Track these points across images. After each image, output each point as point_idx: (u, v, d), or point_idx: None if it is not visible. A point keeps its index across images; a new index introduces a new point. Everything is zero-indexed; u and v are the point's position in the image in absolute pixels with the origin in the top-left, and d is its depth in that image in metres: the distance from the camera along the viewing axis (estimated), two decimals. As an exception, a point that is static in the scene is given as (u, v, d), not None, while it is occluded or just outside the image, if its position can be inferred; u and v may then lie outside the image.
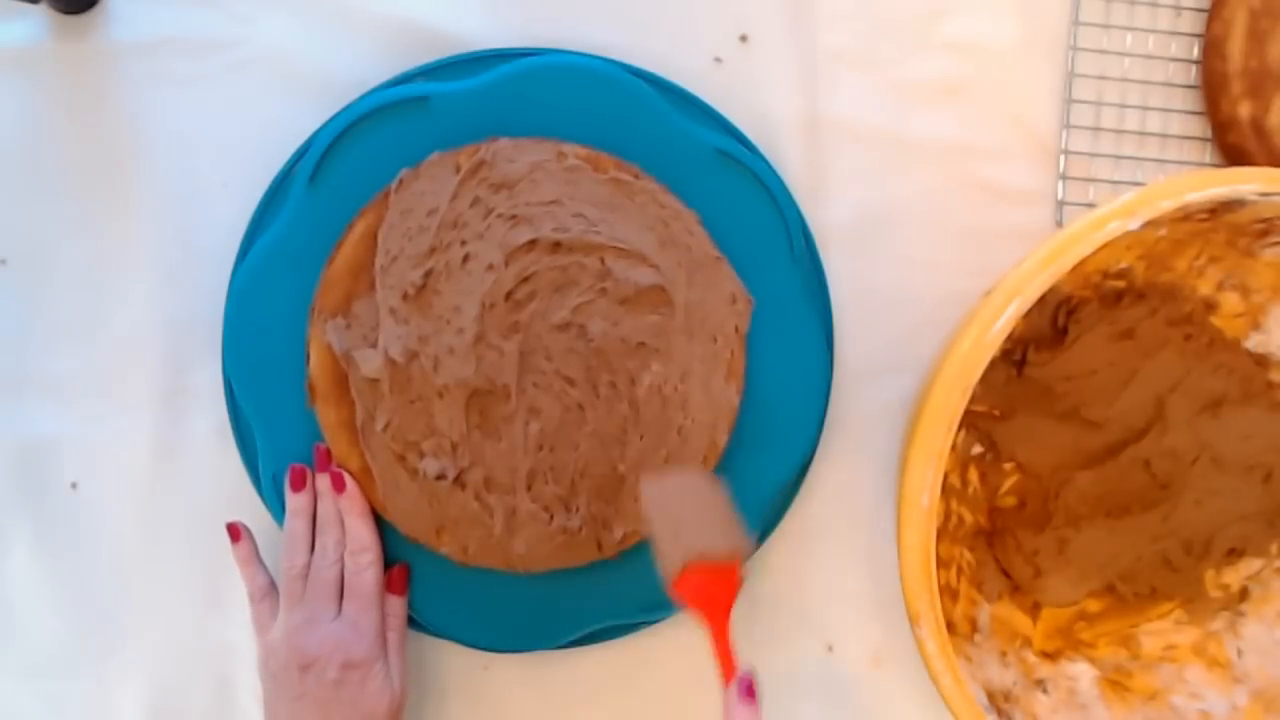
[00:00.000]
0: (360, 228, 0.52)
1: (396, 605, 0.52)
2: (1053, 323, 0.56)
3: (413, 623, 0.54)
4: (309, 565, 0.51)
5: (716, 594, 0.46)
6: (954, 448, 0.53)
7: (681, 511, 0.47)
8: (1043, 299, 0.46)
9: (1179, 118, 0.59)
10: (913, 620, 0.46)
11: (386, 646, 0.51)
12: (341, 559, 0.51)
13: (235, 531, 0.53)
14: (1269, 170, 0.46)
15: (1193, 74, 0.59)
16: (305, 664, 0.49)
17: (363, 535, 0.52)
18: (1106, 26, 0.59)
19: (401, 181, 0.52)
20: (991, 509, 0.57)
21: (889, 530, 0.57)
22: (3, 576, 0.56)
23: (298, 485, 0.52)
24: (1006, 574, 0.56)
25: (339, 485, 0.52)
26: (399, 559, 0.53)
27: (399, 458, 0.52)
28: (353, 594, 0.51)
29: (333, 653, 0.49)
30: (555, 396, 0.52)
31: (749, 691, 0.43)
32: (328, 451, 0.52)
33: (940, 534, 0.54)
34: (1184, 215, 0.47)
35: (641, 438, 0.53)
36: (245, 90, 0.56)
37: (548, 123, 0.53)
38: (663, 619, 0.55)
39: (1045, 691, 0.54)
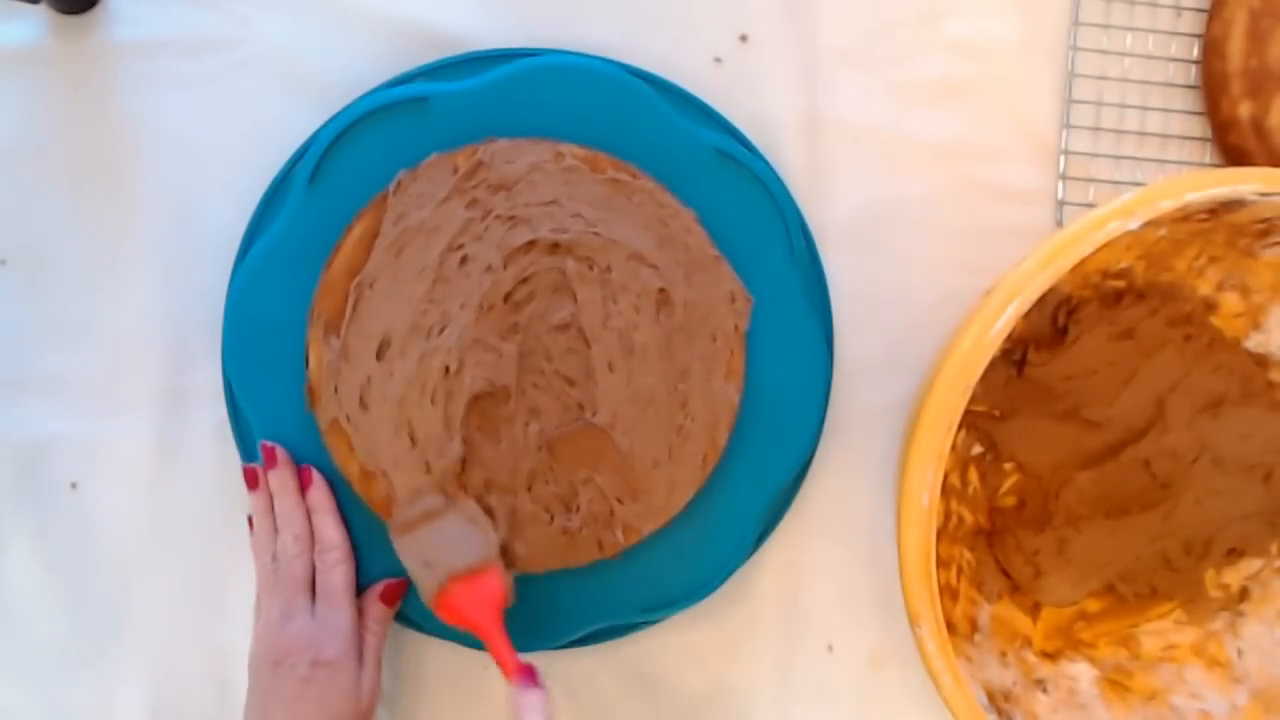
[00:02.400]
0: (359, 229, 0.52)
1: (382, 613, 0.52)
2: (1053, 323, 0.56)
3: (413, 623, 0.54)
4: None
5: (481, 603, 0.49)
6: (954, 448, 0.53)
7: (429, 543, 0.50)
8: (1043, 299, 0.46)
9: (1179, 118, 0.59)
10: (913, 620, 0.46)
11: (362, 648, 0.51)
12: (307, 553, 0.51)
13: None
14: (1269, 170, 0.46)
15: (1193, 74, 0.59)
16: (277, 659, 0.49)
17: (329, 534, 0.51)
18: (1106, 26, 0.59)
19: (400, 184, 0.52)
20: (991, 509, 0.57)
21: (889, 530, 0.57)
22: (3, 576, 0.56)
23: (252, 485, 0.52)
24: (1006, 574, 0.56)
25: (306, 481, 0.52)
26: (398, 559, 0.53)
27: (399, 458, 0.52)
28: (323, 593, 0.51)
29: (303, 650, 0.49)
30: (555, 397, 0.53)
31: (532, 678, 0.47)
32: (272, 449, 0.52)
33: (940, 534, 0.54)
34: (1184, 215, 0.47)
35: (641, 437, 0.53)
36: (245, 90, 0.56)
37: (548, 123, 0.53)
38: (663, 619, 0.55)
39: (1045, 691, 0.54)
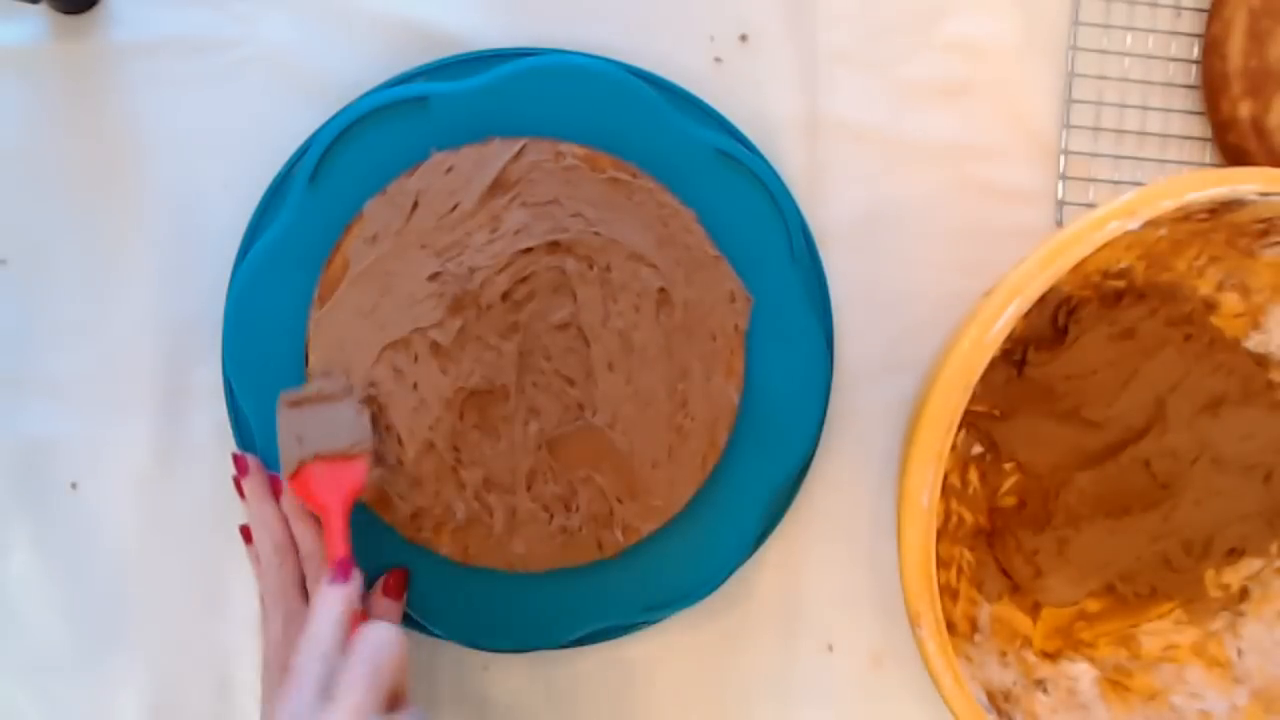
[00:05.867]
0: (359, 229, 0.52)
1: (388, 609, 0.52)
2: (1053, 323, 0.56)
3: (413, 623, 0.54)
4: None
5: (335, 487, 0.49)
6: (954, 448, 0.53)
7: (310, 420, 0.50)
8: (1043, 299, 0.46)
9: (1179, 118, 0.59)
10: (913, 620, 0.46)
11: None
12: (290, 559, 0.51)
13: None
14: (1269, 170, 0.46)
15: (1193, 74, 0.59)
16: (283, 665, 0.49)
17: (307, 541, 0.51)
18: (1106, 26, 0.59)
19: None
20: (991, 509, 0.57)
21: (889, 530, 0.57)
22: (3, 576, 0.56)
23: (242, 495, 0.52)
24: (1006, 574, 0.56)
25: (275, 490, 0.52)
26: (399, 560, 0.53)
27: (399, 458, 0.52)
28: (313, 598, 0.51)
29: None
30: (555, 396, 0.53)
31: (344, 572, 0.47)
32: (242, 457, 0.53)
33: (940, 534, 0.54)
34: (1184, 215, 0.47)
35: (641, 437, 0.53)
36: (245, 90, 0.56)
37: (547, 123, 0.53)
38: (663, 619, 0.55)
39: (1045, 691, 0.54)
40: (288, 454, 0.49)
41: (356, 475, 0.50)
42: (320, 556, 0.51)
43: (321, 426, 0.50)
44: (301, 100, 0.55)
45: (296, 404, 0.50)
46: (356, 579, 0.47)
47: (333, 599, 0.46)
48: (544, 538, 0.52)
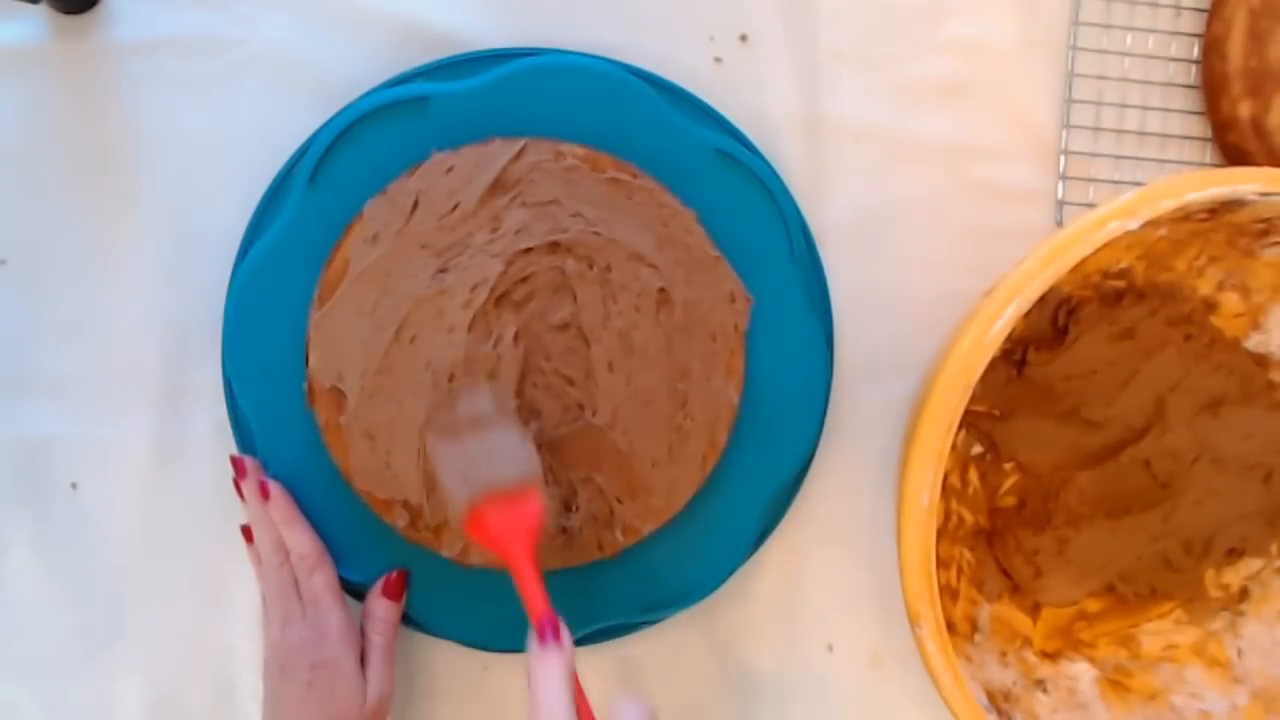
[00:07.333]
0: (359, 229, 0.52)
1: (387, 609, 0.52)
2: (1053, 323, 0.56)
3: (413, 623, 0.54)
4: None
5: (515, 527, 0.44)
6: (954, 448, 0.53)
7: (470, 453, 0.45)
8: (1043, 299, 0.46)
9: (1179, 118, 0.59)
10: (913, 620, 0.46)
11: (365, 648, 0.51)
12: (288, 561, 0.51)
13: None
14: (1269, 170, 0.46)
15: (1193, 74, 0.59)
16: (281, 665, 0.49)
17: (299, 543, 0.51)
18: (1106, 26, 0.59)
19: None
20: (991, 509, 0.57)
21: (889, 530, 0.57)
22: (3, 576, 0.56)
23: (242, 496, 0.53)
24: (1006, 574, 0.56)
25: (264, 494, 0.52)
26: (399, 560, 0.53)
27: (399, 458, 0.52)
28: (307, 599, 0.51)
29: (302, 655, 0.49)
30: (555, 396, 0.52)
31: (554, 632, 0.41)
32: (240, 460, 0.53)
33: (940, 534, 0.54)
34: (1184, 215, 0.47)
35: (641, 437, 0.53)
36: (245, 90, 0.56)
37: (547, 123, 0.53)
38: (663, 619, 0.55)
39: (1045, 691, 0.54)
40: (455, 498, 0.45)
41: (532, 511, 0.45)
42: (313, 556, 0.51)
43: (485, 458, 0.45)
44: (301, 100, 0.55)
45: (450, 433, 0.45)
46: (567, 638, 0.41)
47: (552, 664, 0.41)
48: (544, 538, 0.52)
